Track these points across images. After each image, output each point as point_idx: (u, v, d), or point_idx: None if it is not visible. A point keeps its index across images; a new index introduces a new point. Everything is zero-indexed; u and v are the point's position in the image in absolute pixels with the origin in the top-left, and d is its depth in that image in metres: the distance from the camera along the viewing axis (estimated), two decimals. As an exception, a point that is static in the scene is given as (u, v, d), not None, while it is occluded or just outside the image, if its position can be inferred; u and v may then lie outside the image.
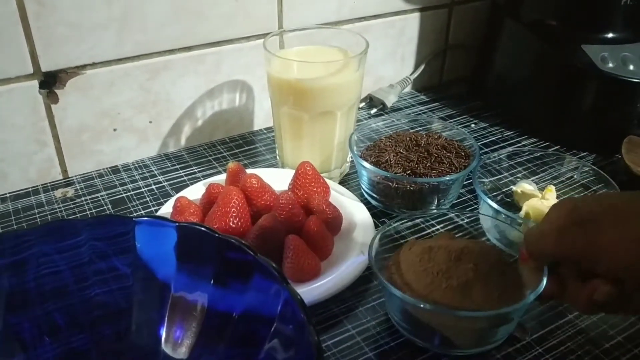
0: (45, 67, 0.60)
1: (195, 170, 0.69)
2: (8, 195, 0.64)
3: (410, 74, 0.87)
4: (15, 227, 0.59)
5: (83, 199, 0.64)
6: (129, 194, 0.65)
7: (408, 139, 0.65)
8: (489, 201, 0.55)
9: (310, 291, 0.48)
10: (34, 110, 0.62)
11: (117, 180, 0.67)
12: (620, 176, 0.62)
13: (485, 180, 0.62)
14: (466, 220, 0.55)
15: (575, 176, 0.63)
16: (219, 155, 0.72)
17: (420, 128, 0.70)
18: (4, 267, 0.39)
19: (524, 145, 0.74)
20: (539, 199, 0.58)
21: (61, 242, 0.40)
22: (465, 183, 0.63)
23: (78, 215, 0.61)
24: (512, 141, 0.76)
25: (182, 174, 0.68)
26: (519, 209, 0.59)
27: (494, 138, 0.76)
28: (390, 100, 0.83)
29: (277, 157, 0.69)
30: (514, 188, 0.62)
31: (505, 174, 0.65)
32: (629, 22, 0.71)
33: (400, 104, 0.85)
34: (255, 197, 0.54)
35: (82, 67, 0.62)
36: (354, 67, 0.61)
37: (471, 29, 0.89)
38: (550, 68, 0.74)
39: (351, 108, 0.63)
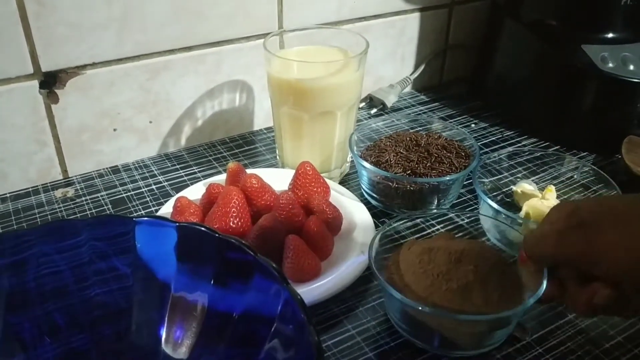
0: (45, 67, 0.60)
1: (196, 170, 0.69)
2: (8, 195, 0.64)
3: (410, 74, 0.87)
4: (15, 227, 0.59)
5: (83, 199, 0.64)
6: (129, 194, 0.65)
7: (408, 139, 0.65)
8: (489, 201, 0.55)
9: (310, 291, 0.48)
10: (34, 110, 0.62)
11: (117, 180, 0.67)
12: (620, 176, 0.62)
13: (485, 180, 0.62)
14: (466, 221, 0.55)
15: (575, 176, 0.63)
16: (219, 155, 0.72)
17: (420, 128, 0.70)
18: (4, 267, 0.39)
19: (524, 145, 0.74)
20: (539, 199, 0.58)
21: (61, 242, 0.40)
22: (465, 183, 0.63)
23: (78, 215, 0.61)
24: (512, 141, 0.76)
25: (182, 174, 0.68)
26: (519, 209, 0.59)
27: (494, 138, 0.76)
28: (390, 100, 0.83)
29: (277, 157, 0.69)
30: (514, 188, 0.62)
31: (505, 174, 0.65)
32: (629, 22, 0.71)
33: (400, 104, 0.85)
34: (256, 197, 0.54)
35: (82, 67, 0.62)
36: (354, 67, 0.61)
37: (471, 29, 0.89)
38: (550, 68, 0.74)
39: (351, 108, 0.63)
